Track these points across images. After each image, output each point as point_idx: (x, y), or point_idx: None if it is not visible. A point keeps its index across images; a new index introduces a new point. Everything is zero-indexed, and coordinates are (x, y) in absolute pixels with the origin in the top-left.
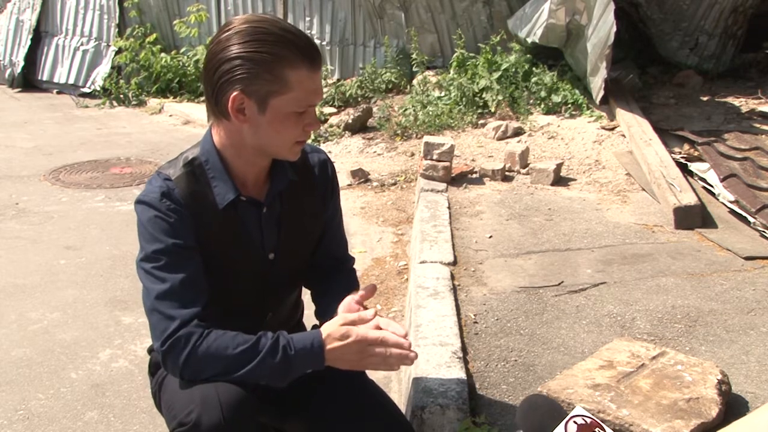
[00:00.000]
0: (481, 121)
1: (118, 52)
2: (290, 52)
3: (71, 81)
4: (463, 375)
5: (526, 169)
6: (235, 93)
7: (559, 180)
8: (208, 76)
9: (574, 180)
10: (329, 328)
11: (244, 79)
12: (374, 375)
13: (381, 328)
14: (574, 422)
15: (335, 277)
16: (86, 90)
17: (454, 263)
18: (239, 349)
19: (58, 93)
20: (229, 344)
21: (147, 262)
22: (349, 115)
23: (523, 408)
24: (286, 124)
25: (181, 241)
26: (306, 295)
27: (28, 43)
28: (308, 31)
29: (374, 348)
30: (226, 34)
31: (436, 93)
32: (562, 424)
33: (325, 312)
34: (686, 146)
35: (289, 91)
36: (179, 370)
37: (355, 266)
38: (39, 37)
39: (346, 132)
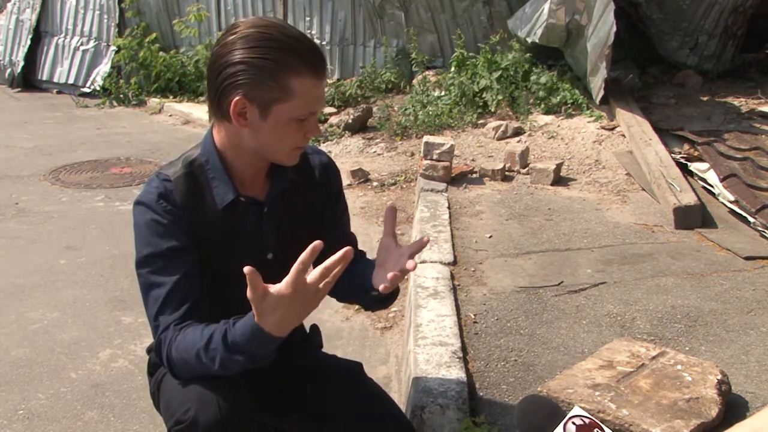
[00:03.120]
0: (481, 121)
1: (118, 51)
2: (295, 60)
3: (71, 81)
4: (463, 375)
5: (526, 169)
6: (237, 97)
7: (559, 180)
8: (212, 77)
9: (574, 180)
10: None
11: (247, 84)
12: (374, 375)
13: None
14: (573, 423)
15: (354, 264)
16: (86, 90)
17: (454, 263)
18: (198, 352)
19: (58, 93)
20: (189, 347)
21: (142, 265)
22: (349, 115)
23: (521, 409)
24: (287, 131)
25: (175, 244)
26: None
27: (28, 42)
28: (308, 31)
29: (306, 288)
30: (232, 37)
31: (436, 93)
32: (561, 424)
33: (363, 279)
34: (686, 146)
35: (293, 99)
36: (170, 371)
37: None
38: (39, 36)
39: (346, 132)
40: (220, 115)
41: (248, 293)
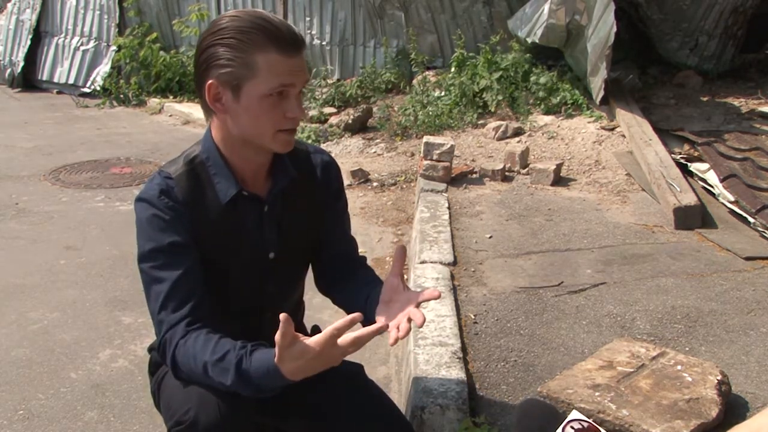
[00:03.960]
0: (481, 121)
1: (118, 51)
2: (258, 36)
3: (71, 81)
4: (463, 375)
5: (526, 169)
6: (210, 81)
7: (559, 180)
8: (194, 70)
9: (574, 180)
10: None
11: (216, 67)
12: (374, 375)
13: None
14: (571, 427)
15: (356, 275)
16: (86, 90)
17: (454, 263)
18: (205, 363)
19: (58, 93)
20: (198, 355)
21: (144, 261)
22: (349, 115)
23: (520, 412)
24: (261, 110)
25: (176, 239)
26: (307, 295)
27: (28, 43)
28: (308, 32)
29: (335, 348)
30: (210, 28)
31: (436, 93)
32: (560, 428)
33: (365, 308)
34: (686, 146)
35: (258, 74)
36: (173, 371)
37: None
38: (39, 37)
39: (346, 132)
40: (206, 106)
41: (277, 336)
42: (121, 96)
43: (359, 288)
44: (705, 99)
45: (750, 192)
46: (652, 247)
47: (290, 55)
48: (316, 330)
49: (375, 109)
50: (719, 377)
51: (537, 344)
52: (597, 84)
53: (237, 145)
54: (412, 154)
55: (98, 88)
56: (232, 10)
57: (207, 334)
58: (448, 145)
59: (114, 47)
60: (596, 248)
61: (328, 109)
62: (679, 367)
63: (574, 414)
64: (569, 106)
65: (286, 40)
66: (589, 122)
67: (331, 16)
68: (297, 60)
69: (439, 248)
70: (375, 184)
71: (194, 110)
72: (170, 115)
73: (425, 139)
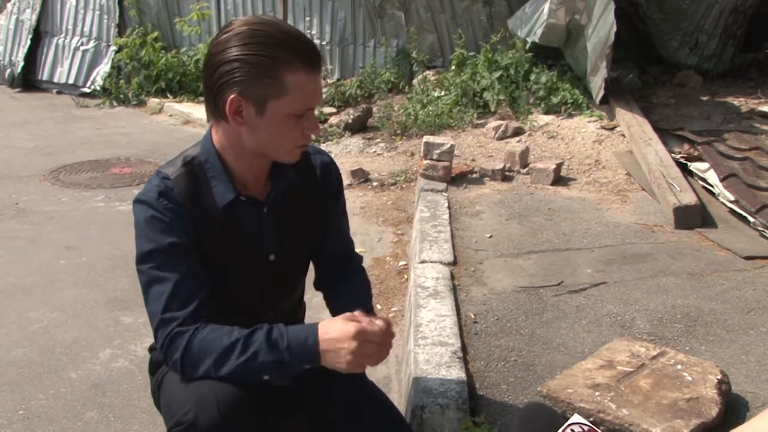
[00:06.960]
0: (481, 121)
1: (119, 50)
2: (289, 55)
3: (71, 81)
4: (463, 375)
5: (526, 169)
6: (232, 95)
7: (559, 180)
8: (207, 77)
9: (574, 180)
10: (329, 322)
11: (242, 82)
12: (374, 375)
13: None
14: (571, 430)
15: (348, 278)
16: (86, 90)
17: (454, 263)
18: (233, 339)
19: (58, 93)
20: (224, 336)
21: (144, 262)
22: (349, 115)
23: (521, 417)
24: (285, 128)
25: (177, 240)
26: (307, 295)
27: (28, 43)
28: (308, 32)
29: (368, 344)
30: (226, 35)
31: (436, 93)
32: None
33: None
34: (686, 146)
35: (287, 94)
36: (179, 367)
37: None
38: (39, 37)
39: (346, 132)
40: (218, 114)
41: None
42: (121, 96)
43: (346, 303)
44: (705, 98)
45: (750, 191)
46: (652, 247)
47: (316, 74)
48: None
49: (375, 108)
50: (719, 377)
51: (537, 344)
52: (597, 83)
53: (245, 154)
54: (412, 154)
55: (98, 88)
56: (247, 17)
57: (219, 326)
58: (448, 145)
59: (114, 47)
60: (596, 248)
61: (328, 109)
62: (679, 367)
63: (575, 417)
64: (569, 105)
65: (311, 60)
66: (589, 122)
67: (331, 16)
68: (319, 78)
69: (439, 248)
70: (375, 183)
71: (194, 110)
72: (170, 115)
73: (425, 138)
